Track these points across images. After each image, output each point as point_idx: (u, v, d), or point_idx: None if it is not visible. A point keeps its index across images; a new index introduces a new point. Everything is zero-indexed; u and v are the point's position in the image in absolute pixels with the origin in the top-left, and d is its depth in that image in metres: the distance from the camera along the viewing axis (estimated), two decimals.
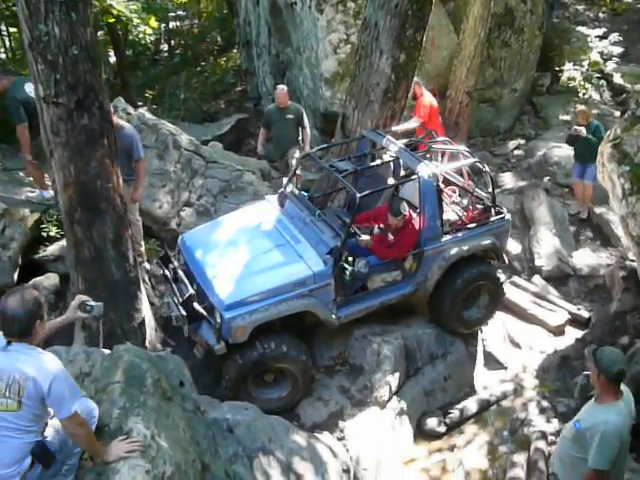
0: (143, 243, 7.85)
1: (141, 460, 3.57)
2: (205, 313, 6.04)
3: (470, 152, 7.58)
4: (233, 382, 6.00)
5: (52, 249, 7.78)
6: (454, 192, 7.52)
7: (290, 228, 6.69)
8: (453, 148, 7.58)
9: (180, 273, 6.48)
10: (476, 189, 7.41)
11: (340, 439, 5.98)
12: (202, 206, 8.86)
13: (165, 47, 21.28)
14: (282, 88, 9.30)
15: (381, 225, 6.96)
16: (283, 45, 13.26)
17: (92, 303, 4.01)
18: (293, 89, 12.10)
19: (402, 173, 7.38)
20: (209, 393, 5.87)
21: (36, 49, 5.31)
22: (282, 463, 5.09)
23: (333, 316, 6.34)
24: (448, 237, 6.78)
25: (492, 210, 7.13)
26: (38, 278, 7.31)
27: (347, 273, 6.19)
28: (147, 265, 7.86)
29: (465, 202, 7.32)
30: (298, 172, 9.08)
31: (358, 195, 6.25)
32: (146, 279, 7.43)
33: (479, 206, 7.21)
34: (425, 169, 6.64)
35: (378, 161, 7.36)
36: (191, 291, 6.13)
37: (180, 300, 6.15)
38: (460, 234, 6.86)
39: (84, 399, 3.60)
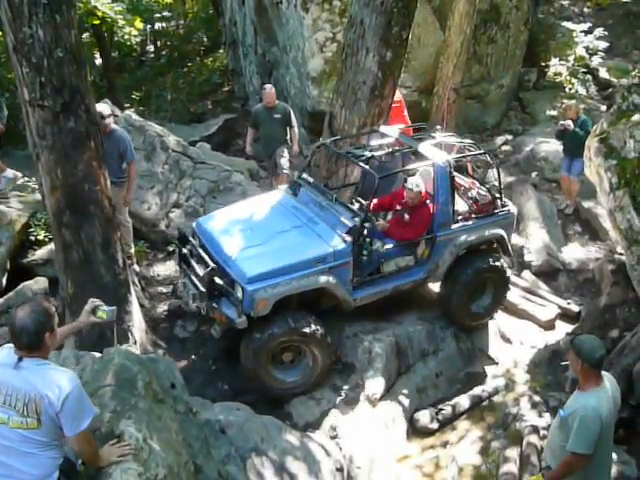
0: (133, 245, 7.82)
1: (133, 463, 3.55)
2: (226, 287, 6.06)
3: (476, 145, 7.65)
4: (256, 356, 5.99)
5: (41, 253, 7.76)
6: (462, 185, 7.58)
7: (306, 212, 6.77)
8: (460, 140, 7.70)
9: (199, 251, 6.49)
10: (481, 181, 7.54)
11: (333, 438, 5.97)
12: (191, 207, 8.84)
13: (151, 48, 21.22)
14: (269, 88, 9.29)
15: (397, 207, 7.05)
16: (269, 44, 13.24)
17: (105, 307, 3.95)
18: (280, 88, 12.08)
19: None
20: (201, 394, 5.86)
21: (20, 52, 5.29)
22: (275, 463, 5.09)
23: (350, 297, 6.44)
24: (458, 225, 6.95)
25: (499, 202, 7.24)
26: (27, 282, 7.28)
27: (365, 252, 6.33)
28: (136, 267, 7.84)
29: (473, 193, 7.40)
30: (286, 172, 9.11)
31: (377, 176, 6.36)
32: (136, 281, 7.41)
33: (486, 198, 7.32)
34: (440, 156, 6.81)
35: (392, 149, 7.46)
36: (212, 265, 6.15)
37: (200, 275, 6.15)
38: (469, 223, 7.03)
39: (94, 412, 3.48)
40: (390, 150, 7.40)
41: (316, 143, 7.94)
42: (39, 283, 7.31)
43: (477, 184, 7.54)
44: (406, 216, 6.88)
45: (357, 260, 6.36)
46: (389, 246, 6.72)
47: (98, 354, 4.47)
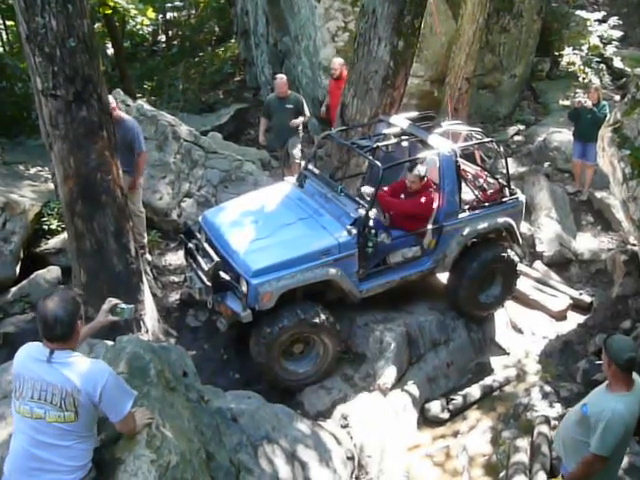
0: (146, 235, 7.86)
1: (146, 450, 3.58)
2: (231, 281, 6.08)
3: (484, 133, 7.61)
4: (268, 350, 6.00)
5: (53, 242, 7.81)
6: (469, 174, 7.55)
7: (312, 204, 6.77)
8: (467, 129, 7.67)
9: (205, 245, 6.52)
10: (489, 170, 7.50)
11: (344, 427, 6.00)
12: (203, 197, 8.87)
13: (163, 38, 21.21)
14: (281, 77, 9.28)
15: (401, 196, 7.02)
16: (281, 34, 13.21)
17: (123, 306, 3.93)
18: (292, 78, 12.07)
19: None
20: (212, 383, 5.89)
21: (33, 42, 5.31)
22: (286, 451, 5.12)
23: (356, 288, 6.44)
24: (465, 214, 6.91)
25: (506, 190, 7.20)
26: (40, 271, 7.34)
27: (370, 244, 6.31)
28: (149, 257, 7.87)
29: (481, 182, 7.37)
30: (299, 162, 9.11)
31: (381, 166, 6.34)
32: (148, 271, 7.44)
33: (494, 186, 7.29)
34: (445, 145, 6.78)
35: (398, 139, 7.42)
36: (217, 259, 6.18)
37: (205, 269, 6.18)
38: (477, 212, 6.98)
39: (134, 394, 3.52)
40: (396, 140, 7.38)
41: (322, 134, 7.94)
42: (52, 272, 7.36)
43: (485, 173, 7.49)
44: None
45: (362, 252, 6.34)
46: (395, 237, 6.67)
47: (111, 342, 4.50)
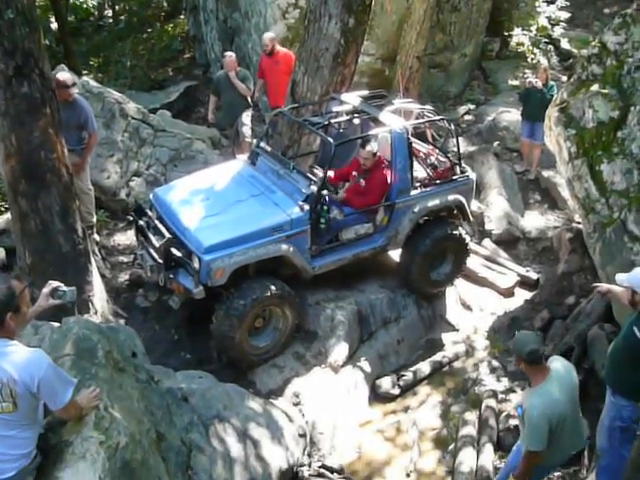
0: (95, 214, 7.69)
1: (94, 431, 3.54)
2: (183, 258, 6.05)
3: (435, 111, 7.65)
4: (240, 322, 6.00)
5: None
6: (421, 152, 7.58)
7: (264, 181, 6.76)
8: (419, 107, 7.70)
9: (156, 222, 6.45)
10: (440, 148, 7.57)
11: (296, 404, 6.04)
12: (152, 175, 8.73)
13: (109, 13, 20.63)
14: (230, 55, 9.17)
15: (354, 173, 7.01)
16: (231, 10, 13.00)
17: (64, 288, 3.84)
18: (242, 55, 11.92)
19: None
20: (163, 364, 5.84)
21: None
22: (238, 430, 5.12)
23: (308, 265, 6.46)
24: (417, 192, 6.96)
25: (457, 168, 7.27)
26: None
27: (323, 221, 6.34)
28: (97, 237, 7.72)
29: (432, 160, 7.42)
30: (249, 140, 9.03)
31: (333, 142, 6.35)
32: (96, 251, 7.31)
33: (445, 164, 7.34)
34: (397, 122, 6.81)
35: (349, 116, 7.43)
36: (168, 235, 6.13)
37: (156, 246, 6.12)
38: (428, 190, 7.04)
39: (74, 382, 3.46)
40: (348, 117, 7.36)
41: (274, 111, 7.87)
42: None
43: (436, 151, 7.56)
44: (362, 182, 6.87)
45: (315, 228, 6.37)
46: (347, 214, 6.71)
47: (57, 324, 4.41)
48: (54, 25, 16.79)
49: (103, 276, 7.05)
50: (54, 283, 3.86)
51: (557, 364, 4.38)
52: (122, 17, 20.06)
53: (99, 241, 7.75)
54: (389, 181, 6.86)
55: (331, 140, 6.47)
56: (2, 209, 7.58)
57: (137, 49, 16.39)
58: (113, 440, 3.57)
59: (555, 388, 4.21)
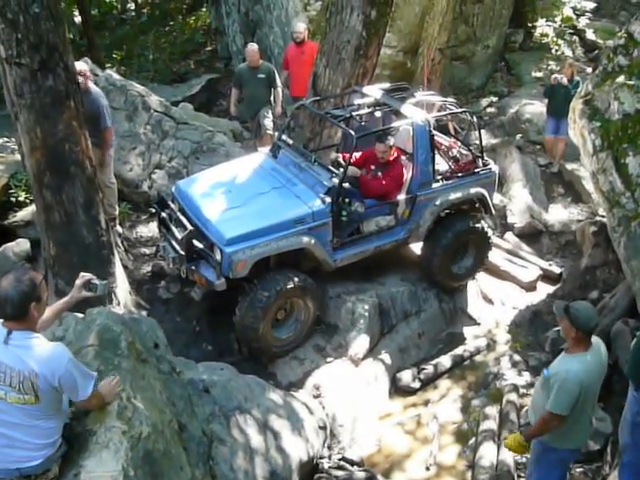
0: (117, 206, 7.76)
1: (117, 421, 3.58)
2: (205, 250, 6.09)
3: (457, 104, 7.60)
4: (265, 314, 6.04)
5: (22, 214, 7.69)
6: (443, 144, 7.54)
7: (285, 174, 6.75)
8: (441, 99, 7.64)
9: (178, 214, 6.48)
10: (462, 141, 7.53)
11: (316, 397, 6.06)
12: (174, 168, 8.76)
13: (132, 6, 20.71)
14: (252, 47, 9.15)
15: (372, 167, 6.98)
16: (252, 3, 12.96)
17: (96, 281, 3.86)
18: (264, 48, 11.89)
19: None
20: (185, 355, 5.88)
21: None
22: (259, 421, 5.15)
23: (330, 258, 6.46)
24: (439, 185, 6.93)
25: (480, 161, 7.22)
26: (8, 244, 7.23)
27: (344, 213, 6.33)
28: (119, 229, 7.79)
29: (454, 152, 7.38)
30: (270, 132, 9.03)
31: (355, 135, 6.33)
32: (119, 243, 7.37)
33: (467, 157, 7.30)
34: (419, 115, 6.77)
35: (371, 109, 7.39)
36: (190, 227, 6.16)
37: (178, 238, 6.16)
38: (450, 182, 7.00)
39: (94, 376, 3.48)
40: (369, 110, 7.33)
41: (296, 104, 7.86)
42: (21, 245, 7.25)
43: (458, 143, 7.50)
44: (379, 174, 6.86)
45: (336, 220, 6.37)
46: (368, 206, 6.67)
47: (80, 315, 4.46)
48: (78, 19, 16.91)
49: (126, 268, 7.11)
50: (87, 275, 3.87)
51: (598, 340, 4.37)
52: (144, 10, 20.14)
53: (122, 233, 7.82)
54: (406, 175, 6.83)
55: (353, 132, 6.46)
56: (28, 201, 7.66)
57: (159, 42, 16.43)
58: (136, 430, 3.61)
59: (593, 361, 4.22)
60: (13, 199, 7.71)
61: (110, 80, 8.98)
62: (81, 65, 7.03)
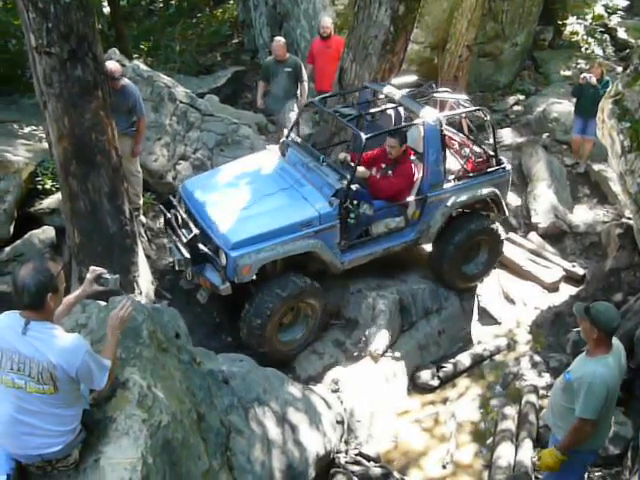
0: (142, 196, 7.82)
1: (137, 409, 3.62)
2: (210, 253, 6.05)
3: (471, 101, 7.52)
4: (271, 318, 6.01)
5: (48, 202, 7.77)
6: (455, 142, 7.45)
7: (293, 174, 6.67)
8: (454, 97, 7.52)
9: (184, 216, 6.46)
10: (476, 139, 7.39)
11: (334, 391, 6.06)
12: (198, 159, 8.79)
13: None
14: (279, 40, 9.14)
15: (382, 165, 6.88)
16: None
17: (108, 276, 3.89)
18: (290, 41, 11.89)
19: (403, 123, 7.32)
20: (205, 346, 5.92)
21: None
22: (277, 414, 5.16)
23: (337, 260, 6.38)
24: (450, 185, 6.80)
25: (493, 160, 7.11)
26: (34, 231, 7.32)
27: (352, 215, 6.23)
28: (143, 219, 7.85)
29: (467, 151, 7.28)
30: None
31: (364, 136, 6.22)
32: (142, 233, 7.43)
33: (480, 156, 7.17)
34: (429, 114, 6.64)
35: (381, 107, 7.30)
36: (196, 231, 6.13)
37: (184, 241, 6.14)
38: (462, 182, 6.87)
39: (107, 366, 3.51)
40: (380, 108, 7.21)
41: (305, 101, 7.77)
42: (46, 232, 7.34)
43: (471, 142, 7.39)
44: (389, 172, 6.74)
45: (344, 223, 6.25)
46: (377, 208, 6.53)
47: (103, 303, 4.50)
48: (107, 9, 17.03)
49: (148, 257, 7.17)
50: (98, 269, 3.90)
51: (617, 342, 4.33)
52: (172, 2, 20.21)
53: (145, 223, 7.87)
54: (416, 175, 6.70)
55: (362, 134, 6.29)
56: (54, 189, 7.74)
57: (186, 34, 16.48)
58: (155, 418, 3.65)
59: (614, 363, 4.18)
60: (40, 187, 7.79)
61: (137, 71, 9.03)
62: (113, 65, 6.97)
